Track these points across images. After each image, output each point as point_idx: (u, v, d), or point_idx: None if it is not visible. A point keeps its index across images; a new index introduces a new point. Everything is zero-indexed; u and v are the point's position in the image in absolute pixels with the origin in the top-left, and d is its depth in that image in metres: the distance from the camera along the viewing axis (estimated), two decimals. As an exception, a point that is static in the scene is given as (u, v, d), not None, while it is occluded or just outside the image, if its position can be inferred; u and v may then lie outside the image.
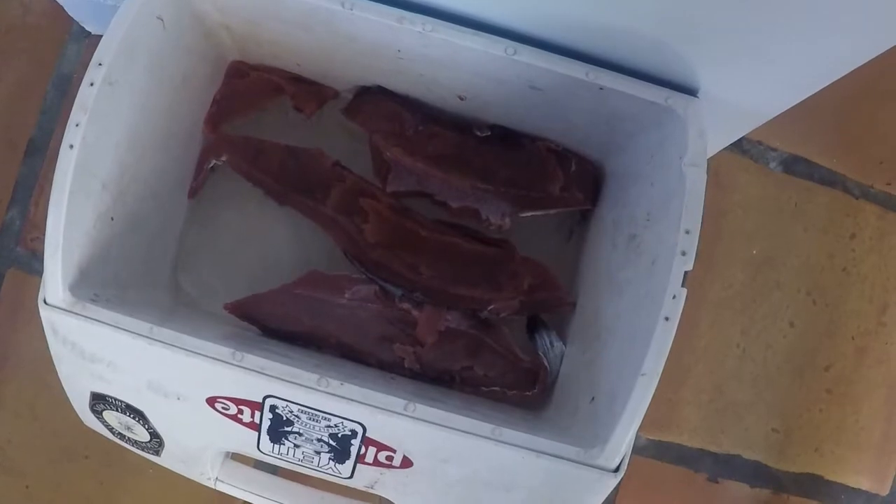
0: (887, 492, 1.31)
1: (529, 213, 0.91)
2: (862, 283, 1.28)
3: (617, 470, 0.72)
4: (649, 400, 0.69)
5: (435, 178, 0.90)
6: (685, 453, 1.22)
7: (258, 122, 0.95)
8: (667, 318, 0.69)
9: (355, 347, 0.88)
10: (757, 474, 1.25)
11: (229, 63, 0.93)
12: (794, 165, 1.27)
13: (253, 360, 0.71)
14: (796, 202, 1.26)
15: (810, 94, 0.75)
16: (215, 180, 0.94)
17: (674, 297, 0.69)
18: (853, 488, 1.29)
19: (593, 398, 0.77)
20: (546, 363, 0.90)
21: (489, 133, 0.91)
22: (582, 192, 0.92)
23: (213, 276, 0.94)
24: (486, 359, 0.89)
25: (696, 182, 0.73)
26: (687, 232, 0.71)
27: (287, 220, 0.94)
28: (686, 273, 0.70)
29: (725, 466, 1.23)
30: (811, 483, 1.27)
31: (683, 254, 0.70)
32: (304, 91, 0.93)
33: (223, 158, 0.91)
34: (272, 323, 0.88)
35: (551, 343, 0.91)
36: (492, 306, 0.89)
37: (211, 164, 0.92)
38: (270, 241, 0.96)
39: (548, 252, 0.95)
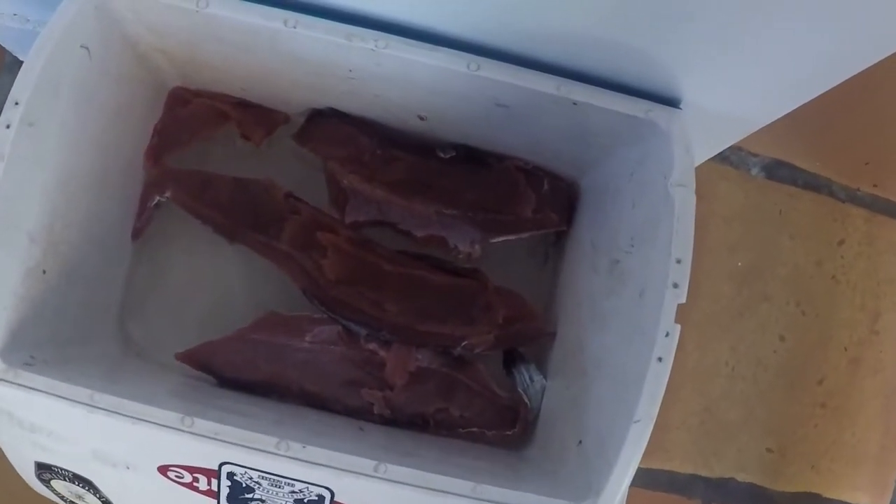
0: (887, 505, 1.26)
1: (501, 238, 0.86)
2: (852, 291, 1.24)
3: (611, 523, 0.65)
4: (644, 447, 0.63)
5: (397, 206, 0.85)
6: (677, 480, 1.17)
7: (203, 153, 0.88)
8: (660, 359, 0.63)
9: (320, 394, 0.81)
10: (752, 497, 1.20)
11: (169, 90, 0.86)
12: (777, 171, 1.22)
13: (205, 425, 0.64)
14: (781, 209, 1.21)
15: (806, 100, 0.69)
16: (160, 219, 0.87)
17: (667, 334, 0.63)
18: (852, 505, 1.24)
19: (581, 441, 0.72)
20: (526, 399, 0.84)
21: (453, 154, 0.86)
22: (556, 212, 0.87)
23: (162, 323, 0.88)
24: (462, 398, 0.83)
25: (685, 205, 0.66)
26: (678, 261, 0.65)
27: (240, 259, 0.87)
28: (679, 306, 0.64)
29: (719, 491, 1.18)
30: (809, 503, 1.22)
31: (675, 286, 0.64)
32: (252, 117, 0.87)
33: (167, 194, 0.85)
34: (228, 372, 0.82)
35: (531, 378, 0.85)
36: (465, 342, 0.83)
37: (154, 202, 0.85)
38: (223, 282, 0.89)
39: (522, 279, 0.90)
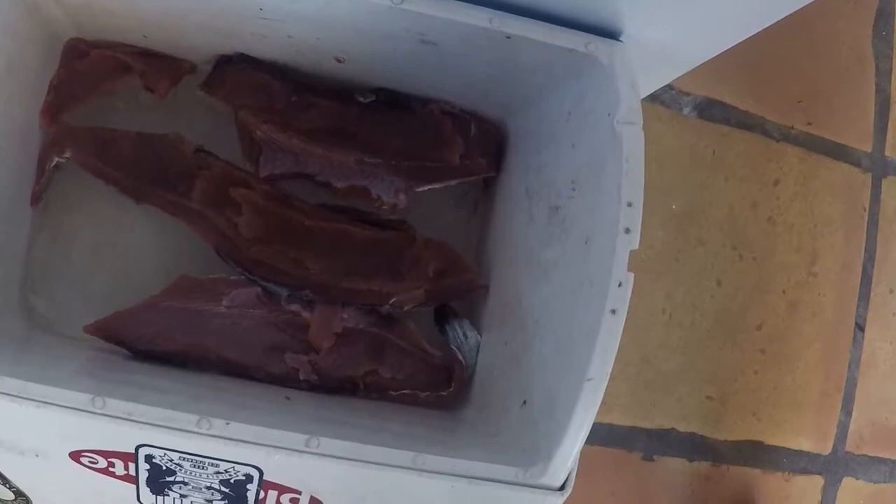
0: (829, 450, 1.25)
1: (427, 187, 0.82)
2: (789, 233, 1.21)
3: (563, 488, 0.61)
4: (597, 408, 0.58)
5: (315, 156, 0.80)
6: (616, 433, 1.14)
7: (105, 108, 0.83)
8: (613, 311, 0.58)
9: (241, 362, 0.77)
10: (694, 447, 1.17)
11: (65, 42, 0.81)
12: (709, 110, 1.19)
13: (117, 405, 0.59)
14: (714, 150, 1.18)
15: (754, 32, 0.66)
16: (61, 181, 0.82)
17: (620, 284, 0.58)
18: (794, 450, 1.23)
19: (525, 401, 0.67)
20: (460, 357, 0.81)
21: (374, 98, 0.82)
22: (484, 157, 0.83)
23: (69, 293, 0.83)
24: (393, 359, 0.79)
25: (633, 144, 0.62)
26: (629, 205, 0.60)
27: (148, 221, 0.83)
28: (632, 253, 0.59)
29: (660, 442, 1.15)
30: (751, 450, 1.21)
31: (627, 231, 0.59)
32: (155, 67, 0.82)
33: (67, 154, 0.79)
34: (141, 343, 0.76)
35: (465, 334, 0.82)
36: (393, 299, 0.79)
37: (54, 163, 0.79)
38: (132, 246, 0.84)
39: (451, 230, 0.86)
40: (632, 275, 0.58)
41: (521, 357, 0.71)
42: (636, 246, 0.59)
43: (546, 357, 0.67)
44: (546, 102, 0.74)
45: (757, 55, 1.22)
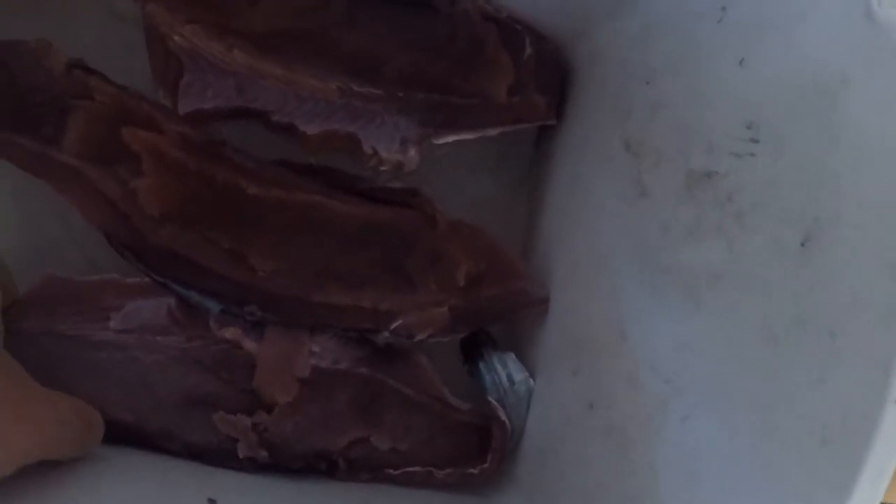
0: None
1: (452, 138, 0.57)
2: None
3: None
4: None
5: (269, 80, 0.53)
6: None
7: None
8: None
9: (139, 427, 0.51)
10: None
11: None
12: None
13: None
14: None
15: None
16: None
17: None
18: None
19: None
20: (502, 415, 0.57)
21: None
22: (543, 93, 0.57)
23: None
24: (394, 419, 0.55)
25: None
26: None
27: (5, 182, 0.59)
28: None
29: None
30: None
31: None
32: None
33: None
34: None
35: (510, 377, 0.59)
36: (398, 322, 0.54)
37: None
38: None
39: (489, 207, 0.62)
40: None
41: (627, 437, 0.43)
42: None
43: (702, 456, 0.37)
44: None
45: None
